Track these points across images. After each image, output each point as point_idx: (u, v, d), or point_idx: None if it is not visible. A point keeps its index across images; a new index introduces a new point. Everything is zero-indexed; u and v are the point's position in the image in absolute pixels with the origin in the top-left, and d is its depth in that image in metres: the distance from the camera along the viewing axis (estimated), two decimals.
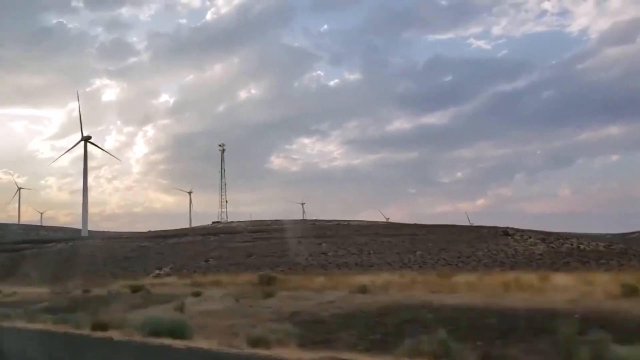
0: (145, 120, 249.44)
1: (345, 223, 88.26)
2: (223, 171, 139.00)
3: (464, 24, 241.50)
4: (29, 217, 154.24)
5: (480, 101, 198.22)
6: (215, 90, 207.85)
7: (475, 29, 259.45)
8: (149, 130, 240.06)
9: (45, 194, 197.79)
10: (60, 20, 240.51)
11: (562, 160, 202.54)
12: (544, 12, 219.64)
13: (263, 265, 54.05)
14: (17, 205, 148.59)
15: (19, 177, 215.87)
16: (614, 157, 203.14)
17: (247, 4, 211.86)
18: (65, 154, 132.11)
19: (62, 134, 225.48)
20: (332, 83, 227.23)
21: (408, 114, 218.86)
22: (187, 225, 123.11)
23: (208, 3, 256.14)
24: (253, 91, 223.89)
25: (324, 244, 61.90)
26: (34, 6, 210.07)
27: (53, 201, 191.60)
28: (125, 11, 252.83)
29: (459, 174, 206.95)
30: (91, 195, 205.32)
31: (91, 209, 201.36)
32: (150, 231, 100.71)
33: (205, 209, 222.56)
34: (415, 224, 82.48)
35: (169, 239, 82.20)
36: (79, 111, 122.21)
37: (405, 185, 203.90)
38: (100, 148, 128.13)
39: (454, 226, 77.63)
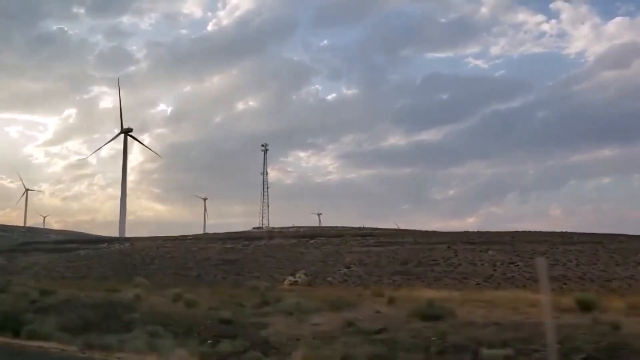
0: (141, 129, 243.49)
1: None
2: (265, 173, 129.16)
3: (463, 43, 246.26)
4: (28, 220, 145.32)
5: (475, 120, 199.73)
6: (212, 101, 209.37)
7: (474, 48, 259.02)
8: (145, 139, 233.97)
9: (38, 199, 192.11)
10: (61, 26, 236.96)
11: (554, 181, 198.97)
12: (542, 34, 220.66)
13: (443, 276, 43.07)
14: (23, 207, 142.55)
15: (11, 182, 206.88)
16: (607, 179, 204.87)
17: (248, 17, 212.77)
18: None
19: (56, 140, 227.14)
20: (329, 97, 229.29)
21: (403, 130, 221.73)
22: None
23: (210, 14, 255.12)
24: (250, 103, 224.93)
25: (490, 251, 50.91)
26: (35, 12, 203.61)
27: (45, 207, 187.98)
28: (126, 19, 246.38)
29: (451, 192, 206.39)
30: (83, 202, 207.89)
31: (83, 216, 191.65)
32: (215, 233, 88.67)
33: (199, 219, 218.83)
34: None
35: (240, 241, 70.58)
36: (120, 102, 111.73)
37: (398, 201, 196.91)
38: (140, 142, 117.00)
39: None
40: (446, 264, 48.18)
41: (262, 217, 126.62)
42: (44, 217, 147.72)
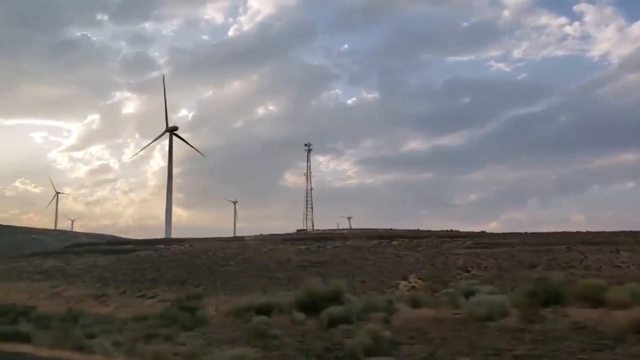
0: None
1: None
2: (309, 174, 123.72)
3: (484, 46, 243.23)
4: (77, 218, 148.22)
5: (496, 124, 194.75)
6: (233, 107, 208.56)
7: (496, 52, 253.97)
8: (167, 144, 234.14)
9: (62, 204, 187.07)
10: (85, 33, 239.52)
11: (576, 186, 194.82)
12: (565, 36, 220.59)
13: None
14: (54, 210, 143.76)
15: (35, 187, 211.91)
16: (629, 184, 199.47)
17: (269, 22, 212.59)
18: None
19: (80, 145, 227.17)
20: (349, 102, 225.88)
21: (424, 135, 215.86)
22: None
23: (231, 20, 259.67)
24: (270, 108, 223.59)
25: (621, 252, 44.10)
26: (59, 19, 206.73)
27: (69, 211, 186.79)
28: (148, 25, 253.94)
29: (473, 197, 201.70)
30: (106, 207, 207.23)
31: (105, 221, 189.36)
32: (273, 234, 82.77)
33: (219, 224, 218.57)
34: None
35: (309, 242, 64.60)
36: (165, 100, 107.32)
37: (417, 206, 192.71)
38: (184, 141, 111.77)
39: None
40: (582, 267, 41.32)
41: (307, 220, 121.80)
42: (72, 221, 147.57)
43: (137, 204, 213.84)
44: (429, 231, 65.84)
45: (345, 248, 57.59)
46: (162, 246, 72.42)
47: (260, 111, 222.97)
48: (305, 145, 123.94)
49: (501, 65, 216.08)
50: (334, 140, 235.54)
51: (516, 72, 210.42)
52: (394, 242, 59.55)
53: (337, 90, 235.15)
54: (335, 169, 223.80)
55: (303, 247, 61.13)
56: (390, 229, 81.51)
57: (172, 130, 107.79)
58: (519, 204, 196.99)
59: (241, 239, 78.71)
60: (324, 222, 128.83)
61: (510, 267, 42.62)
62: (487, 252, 48.33)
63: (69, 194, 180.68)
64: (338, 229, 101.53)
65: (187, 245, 70.98)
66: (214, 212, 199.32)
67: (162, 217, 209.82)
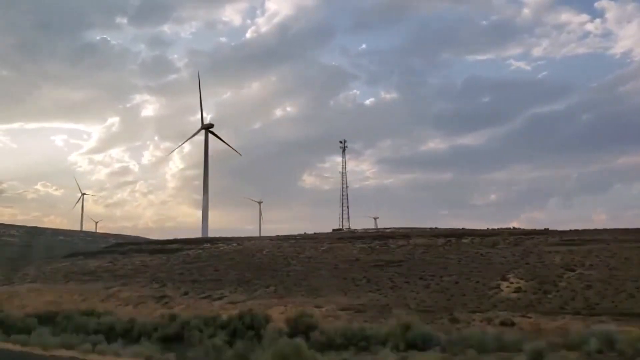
0: (182, 136, 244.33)
1: None
2: (345, 172, 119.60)
3: (504, 45, 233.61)
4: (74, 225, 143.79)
5: (517, 123, 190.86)
6: (251, 108, 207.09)
7: (516, 50, 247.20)
8: (185, 146, 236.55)
9: (72, 208, 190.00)
10: (104, 36, 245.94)
11: (598, 185, 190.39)
12: (586, 34, 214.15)
13: None
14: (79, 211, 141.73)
15: (56, 189, 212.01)
16: None
17: (287, 23, 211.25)
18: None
19: (100, 148, 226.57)
20: (367, 102, 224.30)
21: (443, 134, 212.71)
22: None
23: (249, 21, 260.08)
24: (288, 109, 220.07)
25: None
26: (80, 23, 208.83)
27: (89, 214, 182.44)
28: (167, 28, 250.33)
29: (493, 197, 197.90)
30: (125, 209, 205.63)
31: (125, 223, 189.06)
32: (317, 233, 78.77)
33: (239, 225, 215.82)
34: None
35: (373, 240, 60.30)
36: (200, 98, 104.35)
37: (437, 206, 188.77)
38: (220, 139, 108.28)
39: None
40: None
41: (343, 219, 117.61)
42: (96, 223, 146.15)
43: (156, 205, 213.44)
44: (500, 229, 61.01)
45: (415, 247, 53.15)
46: (208, 245, 68.76)
47: (279, 112, 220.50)
48: (340, 142, 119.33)
49: (521, 64, 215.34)
50: (352, 141, 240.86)
51: (537, 71, 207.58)
52: (464, 240, 54.97)
53: (355, 91, 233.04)
54: (353, 169, 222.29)
55: (364, 245, 56.89)
56: (435, 227, 76.61)
57: (207, 128, 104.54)
58: (539, 203, 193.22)
59: (289, 237, 74.90)
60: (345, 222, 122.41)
61: (620, 266, 37.92)
62: (583, 250, 43.54)
63: (94, 195, 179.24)
64: (372, 229, 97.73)
65: (235, 244, 67.30)
66: (234, 213, 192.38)
67: (181, 218, 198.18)
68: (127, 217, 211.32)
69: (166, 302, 41.59)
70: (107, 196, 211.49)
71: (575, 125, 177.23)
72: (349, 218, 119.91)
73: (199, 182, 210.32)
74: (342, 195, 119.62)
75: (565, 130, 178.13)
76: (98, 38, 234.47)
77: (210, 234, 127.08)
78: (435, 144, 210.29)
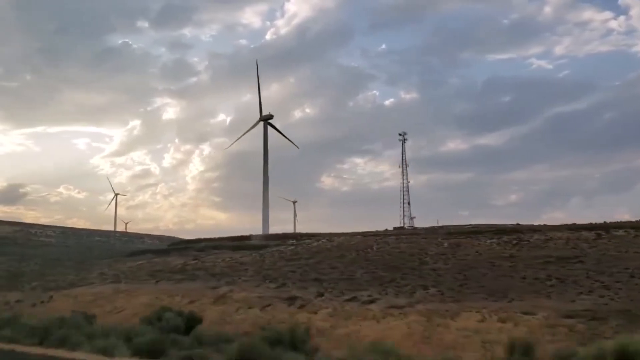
0: (202, 138, 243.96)
1: None
2: (405, 166, 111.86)
3: (525, 44, 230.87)
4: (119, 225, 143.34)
5: (538, 122, 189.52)
6: (270, 110, 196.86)
7: (537, 49, 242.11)
8: (206, 148, 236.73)
9: (103, 208, 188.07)
10: (126, 40, 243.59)
11: (620, 184, 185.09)
12: (609, 32, 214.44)
13: None
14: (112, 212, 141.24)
15: (78, 192, 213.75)
16: None
17: (306, 25, 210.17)
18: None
19: (122, 151, 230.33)
20: (387, 102, 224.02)
21: (464, 134, 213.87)
22: None
23: (268, 23, 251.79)
24: (307, 110, 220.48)
25: None
26: (101, 27, 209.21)
27: (110, 216, 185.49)
28: (187, 31, 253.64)
29: (513, 197, 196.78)
30: (146, 211, 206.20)
31: (147, 225, 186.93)
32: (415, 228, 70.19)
33: (259, 226, 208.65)
34: None
35: (494, 236, 51.66)
36: (259, 88, 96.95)
37: (457, 206, 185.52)
38: (278, 131, 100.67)
39: None
40: None
41: (404, 215, 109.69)
42: (126, 224, 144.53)
43: (177, 207, 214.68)
44: None
45: (570, 241, 44.32)
46: (293, 241, 60.73)
47: (297, 114, 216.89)
48: (400, 134, 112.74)
49: (542, 63, 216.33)
50: (370, 142, 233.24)
51: (558, 70, 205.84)
52: (616, 233, 46.01)
53: (374, 92, 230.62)
54: (372, 170, 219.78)
55: (494, 240, 48.17)
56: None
57: (266, 119, 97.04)
58: (560, 203, 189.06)
59: (375, 234, 66.58)
60: (367, 224, 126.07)
61: None
62: None
63: (125, 195, 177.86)
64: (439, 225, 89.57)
65: (325, 240, 59.15)
66: (252, 215, 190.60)
67: (201, 220, 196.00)
68: (149, 219, 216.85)
69: (302, 305, 33.38)
70: (129, 198, 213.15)
71: (597, 124, 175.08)
72: (410, 215, 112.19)
73: (218, 184, 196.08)
74: (402, 190, 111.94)
75: (587, 129, 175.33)
76: (119, 42, 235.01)
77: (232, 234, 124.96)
78: (456, 144, 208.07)
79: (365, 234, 65.99)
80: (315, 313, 31.76)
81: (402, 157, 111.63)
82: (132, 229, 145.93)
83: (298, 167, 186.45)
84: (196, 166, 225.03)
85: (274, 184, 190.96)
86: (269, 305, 34.33)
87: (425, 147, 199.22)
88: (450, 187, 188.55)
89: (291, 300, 34.68)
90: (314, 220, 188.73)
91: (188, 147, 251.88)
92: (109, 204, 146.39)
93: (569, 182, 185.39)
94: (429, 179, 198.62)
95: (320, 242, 58.50)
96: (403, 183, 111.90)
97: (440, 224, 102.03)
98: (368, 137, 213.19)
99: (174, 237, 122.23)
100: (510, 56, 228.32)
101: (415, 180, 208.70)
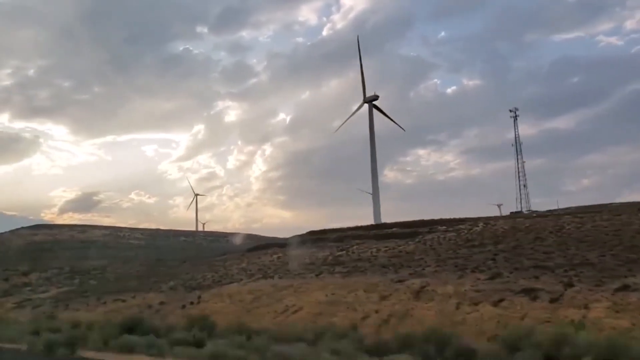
0: (263, 139, 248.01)
1: None
2: (518, 145, 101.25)
3: (593, 21, 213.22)
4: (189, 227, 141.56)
5: (611, 102, 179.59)
6: (330, 106, 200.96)
7: (606, 25, 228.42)
8: (267, 148, 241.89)
9: (172, 212, 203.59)
10: (187, 46, 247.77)
11: None
12: None
13: None
14: (194, 213, 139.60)
15: (149, 197, 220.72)
16: None
17: (363, 17, 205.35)
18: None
19: (188, 155, 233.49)
20: (449, 91, 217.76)
21: (533, 119, 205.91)
22: None
23: (324, 19, 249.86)
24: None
25: None
26: (164, 34, 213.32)
27: (180, 219, 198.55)
28: (246, 34, 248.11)
29: (585, 182, 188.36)
30: (214, 213, 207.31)
31: (215, 226, 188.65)
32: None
33: (323, 224, 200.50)
34: None
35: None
36: (361, 69, 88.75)
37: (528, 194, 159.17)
38: (384, 113, 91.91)
39: None
40: None
41: (520, 198, 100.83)
42: (204, 224, 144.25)
43: (242, 208, 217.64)
44: None
45: None
46: (444, 227, 51.47)
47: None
48: (511, 110, 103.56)
49: (612, 39, 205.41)
50: (434, 132, 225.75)
51: (630, 45, 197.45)
52: None
53: (435, 80, 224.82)
54: (437, 161, 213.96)
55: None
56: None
57: (370, 101, 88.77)
58: (635, 186, 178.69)
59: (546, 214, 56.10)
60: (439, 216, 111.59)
61: None
62: None
63: (205, 195, 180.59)
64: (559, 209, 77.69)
65: (482, 224, 49.47)
66: (316, 212, 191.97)
67: (266, 219, 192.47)
68: (217, 221, 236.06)
69: (553, 299, 24.22)
70: (198, 200, 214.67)
71: None
72: (527, 198, 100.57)
73: (282, 183, 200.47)
74: (518, 173, 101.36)
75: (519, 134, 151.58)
76: (181, 48, 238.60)
77: (297, 233, 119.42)
78: (524, 129, 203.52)
79: (513, 216, 55.88)
80: (586, 308, 22.55)
81: (515, 135, 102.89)
82: (206, 229, 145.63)
83: (361, 162, 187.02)
84: (259, 166, 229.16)
85: (337, 180, 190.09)
86: (501, 300, 25.44)
87: (492, 135, 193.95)
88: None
89: (529, 292, 25.61)
90: (383, 214, 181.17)
91: (250, 148, 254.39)
92: (190, 204, 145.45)
93: None
94: (498, 168, 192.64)
95: (481, 226, 48.99)
96: (518, 164, 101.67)
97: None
98: (431, 127, 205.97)
99: (257, 236, 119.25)
100: (578, 35, 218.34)
101: (483, 169, 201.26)
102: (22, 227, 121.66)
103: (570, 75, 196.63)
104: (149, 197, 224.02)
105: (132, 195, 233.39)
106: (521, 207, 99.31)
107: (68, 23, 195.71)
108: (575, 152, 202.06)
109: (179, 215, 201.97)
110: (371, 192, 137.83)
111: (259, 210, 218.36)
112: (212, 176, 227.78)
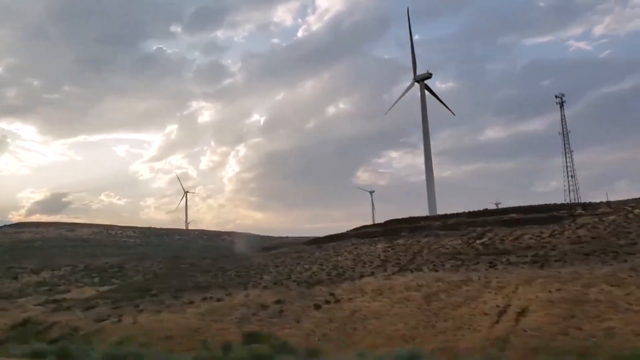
0: (237, 139, 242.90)
1: None
2: (566, 132, 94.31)
3: (564, 25, 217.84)
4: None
5: (581, 105, 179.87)
6: (304, 107, 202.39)
7: (576, 30, 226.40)
8: (241, 149, 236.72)
9: (144, 213, 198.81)
10: (161, 46, 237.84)
11: None
12: None
13: None
14: (184, 210, 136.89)
15: (119, 199, 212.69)
16: None
17: (339, 19, 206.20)
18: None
19: (160, 156, 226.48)
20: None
21: (504, 122, 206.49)
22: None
23: (300, 21, 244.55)
24: (342, 106, 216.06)
25: None
26: (137, 34, 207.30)
27: (152, 220, 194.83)
28: (220, 34, 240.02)
29: (554, 183, 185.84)
30: (187, 214, 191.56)
31: (190, 227, 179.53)
32: None
33: (296, 225, 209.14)
34: None
35: None
36: (411, 43, 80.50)
37: (498, 196, 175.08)
38: (434, 95, 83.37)
39: None
40: None
41: (568, 191, 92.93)
42: (188, 223, 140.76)
43: (215, 209, 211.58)
44: None
45: None
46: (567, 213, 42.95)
47: (332, 110, 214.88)
48: (557, 96, 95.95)
49: (582, 44, 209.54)
50: (407, 134, 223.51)
51: (599, 50, 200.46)
52: None
53: (408, 83, 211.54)
54: (410, 163, 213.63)
55: None
56: None
57: (423, 79, 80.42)
58: (606, 187, 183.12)
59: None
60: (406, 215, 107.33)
61: None
62: None
63: (195, 193, 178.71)
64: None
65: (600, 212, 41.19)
66: (289, 213, 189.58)
67: (239, 220, 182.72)
68: (179, 224, 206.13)
69: None
70: (169, 202, 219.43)
71: None
72: (577, 190, 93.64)
73: (255, 185, 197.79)
74: (565, 161, 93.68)
75: (635, 110, 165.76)
76: (154, 48, 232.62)
77: (271, 233, 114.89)
78: (496, 132, 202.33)
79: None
80: None
81: (562, 122, 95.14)
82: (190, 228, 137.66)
83: (334, 164, 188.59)
84: (232, 167, 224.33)
85: (312, 181, 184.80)
86: None
87: (465, 137, 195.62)
88: (491, 176, 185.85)
89: None
90: (351, 216, 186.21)
91: (224, 148, 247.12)
92: (179, 202, 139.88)
93: (615, 166, 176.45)
94: (470, 169, 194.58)
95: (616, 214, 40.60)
96: (566, 152, 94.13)
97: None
98: (405, 130, 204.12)
99: (247, 234, 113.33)
100: (549, 39, 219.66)
101: (455, 170, 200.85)
102: (5, 225, 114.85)
103: (542, 78, 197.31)
104: (120, 199, 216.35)
105: (102, 197, 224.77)
106: (569, 199, 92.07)
107: (39, 21, 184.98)
108: (545, 155, 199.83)
109: (150, 217, 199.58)
110: (369, 190, 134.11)
111: (232, 212, 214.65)
112: (184, 177, 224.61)
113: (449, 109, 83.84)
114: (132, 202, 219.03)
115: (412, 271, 28.44)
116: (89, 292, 43.19)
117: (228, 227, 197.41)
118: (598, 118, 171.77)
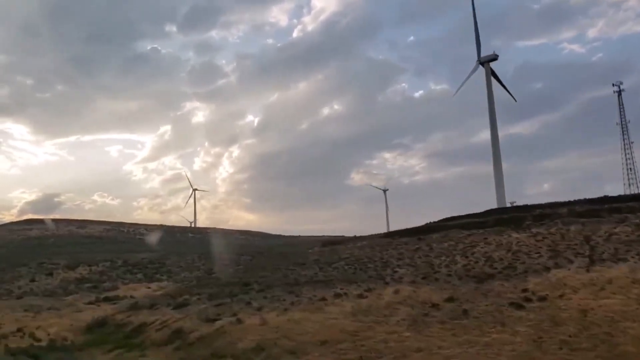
0: (231, 140, 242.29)
1: None
2: (624, 122, 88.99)
3: (557, 28, 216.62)
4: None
5: (572, 108, 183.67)
6: (298, 108, 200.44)
7: (569, 33, 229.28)
8: (235, 150, 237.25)
9: (137, 214, 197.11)
10: (155, 45, 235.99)
11: None
12: None
13: None
14: (192, 208, 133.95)
15: (112, 199, 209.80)
16: None
17: (333, 20, 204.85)
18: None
19: (153, 156, 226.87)
20: (416, 95, 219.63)
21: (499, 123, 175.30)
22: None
23: (295, 21, 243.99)
24: (335, 107, 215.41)
25: None
26: (131, 33, 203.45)
27: (145, 220, 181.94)
28: (215, 34, 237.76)
29: (545, 186, 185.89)
30: (180, 215, 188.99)
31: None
32: None
33: (289, 227, 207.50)
34: None
35: None
36: (475, 28, 75.88)
37: (490, 198, 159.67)
38: (498, 80, 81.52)
39: None
40: None
41: (629, 184, 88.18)
42: (190, 223, 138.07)
43: (208, 210, 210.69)
44: None
45: None
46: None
47: (326, 111, 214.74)
48: (614, 84, 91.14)
49: (574, 47, 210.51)
50: (401, 136, 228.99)
51: (591, 53, 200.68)
52: None
53: (403, 84, 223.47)
54: (402, 165, 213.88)
55: None
56: None
57: (488, 61, 75.82)
58: (596, 190, 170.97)
59: None
60: (403, 221, 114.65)
61: None
62: None
63: (207, 191, 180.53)
64: None
65: None
66: (282, 215, 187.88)
67: (233, 221, 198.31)
68: (183, 223, 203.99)
69: None
70: (162, 203, 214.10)
71: (635, 107, 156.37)
72: (638, 184, 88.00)
73: (248, 186, 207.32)
74: (624, 152, 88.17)
75: (625, 113, 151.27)
76: (148, 48, 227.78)
77: (264, 234, 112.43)
78: (487, 134, 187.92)
79: None
80: None
81: (620, 112, 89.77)
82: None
83: (327, 165, 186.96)
84: (226, 168, 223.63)
85: (305, 182, 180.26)
86: None
87: (457, 139, 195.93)
88: (483, 178, 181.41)
89: None
90: (345, 218, 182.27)
91: (218, 149, 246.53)
92: (187, 200, 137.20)
93: (606, 169, 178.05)
94: (461, 172, 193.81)
95: None
96: (624, 144, 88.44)
97: None
98: (398, 131, 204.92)
99: (259, 232, 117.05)
100: (541, 42, 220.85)
101: (447, 172, 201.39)
102: (11, 222, 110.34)
103: (533, 81, 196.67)
104: (112, 199, 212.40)
105: (95, 197, 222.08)
106: (630, 192, 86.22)
107: (30, 19, 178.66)
108: (535, 157, 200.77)
109: (143, 217, 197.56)
110: (383, 187, 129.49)
111: (226, 212, 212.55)
112: (177, 178, 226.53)
113: (511, 94, 79.14)
114: (124, 202, 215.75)
115: (615, 262, 21.89)
116: (140, 289, 36.58)
117: (222, 228, 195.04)
118: (587, 120, 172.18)
